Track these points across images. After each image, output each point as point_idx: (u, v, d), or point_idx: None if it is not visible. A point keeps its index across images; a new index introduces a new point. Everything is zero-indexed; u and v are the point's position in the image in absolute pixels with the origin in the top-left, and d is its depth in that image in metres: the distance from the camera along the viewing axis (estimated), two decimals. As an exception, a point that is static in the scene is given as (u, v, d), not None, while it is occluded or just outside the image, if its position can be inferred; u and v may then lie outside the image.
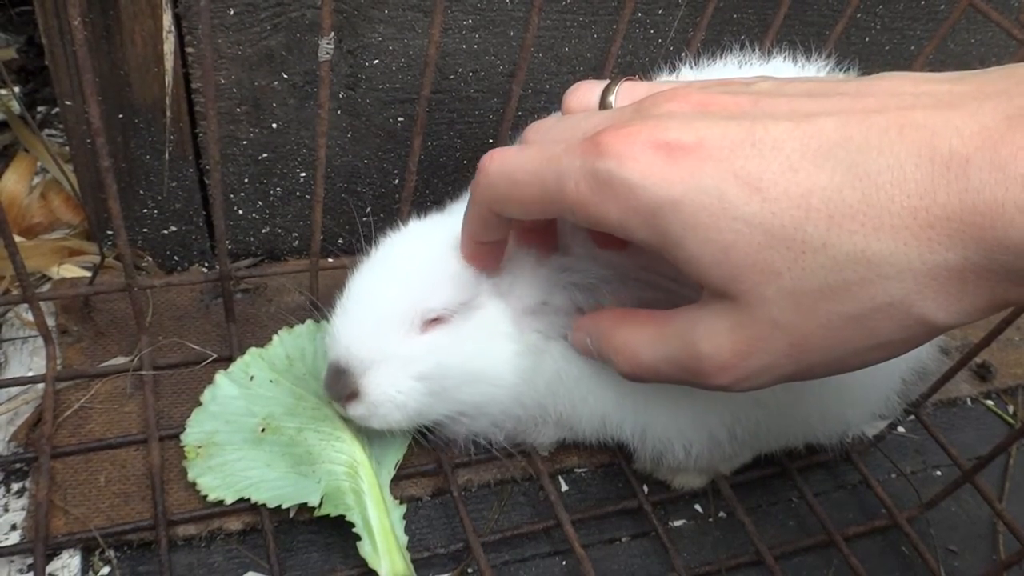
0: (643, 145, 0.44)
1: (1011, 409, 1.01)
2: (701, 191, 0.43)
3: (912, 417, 0.89)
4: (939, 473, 0.91)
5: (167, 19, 0.77)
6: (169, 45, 0.79)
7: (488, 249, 0.62)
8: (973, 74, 0.43)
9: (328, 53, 0.68)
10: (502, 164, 0.52)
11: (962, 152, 0.38)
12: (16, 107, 1.07)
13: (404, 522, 0.71)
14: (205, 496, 0.71)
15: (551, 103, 0.95)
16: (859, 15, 1.03)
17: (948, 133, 0.39)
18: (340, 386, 0.66)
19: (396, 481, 0.75)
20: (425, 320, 0.65)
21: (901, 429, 0.94)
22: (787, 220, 0.41)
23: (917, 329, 0.42)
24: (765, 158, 0.42)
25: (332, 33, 0.67)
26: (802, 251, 0.41)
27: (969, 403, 1.01)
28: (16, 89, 1.15)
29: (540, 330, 0.67)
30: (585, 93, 0.56)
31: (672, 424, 0.70)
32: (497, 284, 0.65)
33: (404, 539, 0.70)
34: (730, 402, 0.67)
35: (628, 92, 0.54)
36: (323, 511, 0.70)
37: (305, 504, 0.70)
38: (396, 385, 0.66)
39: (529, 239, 0.63)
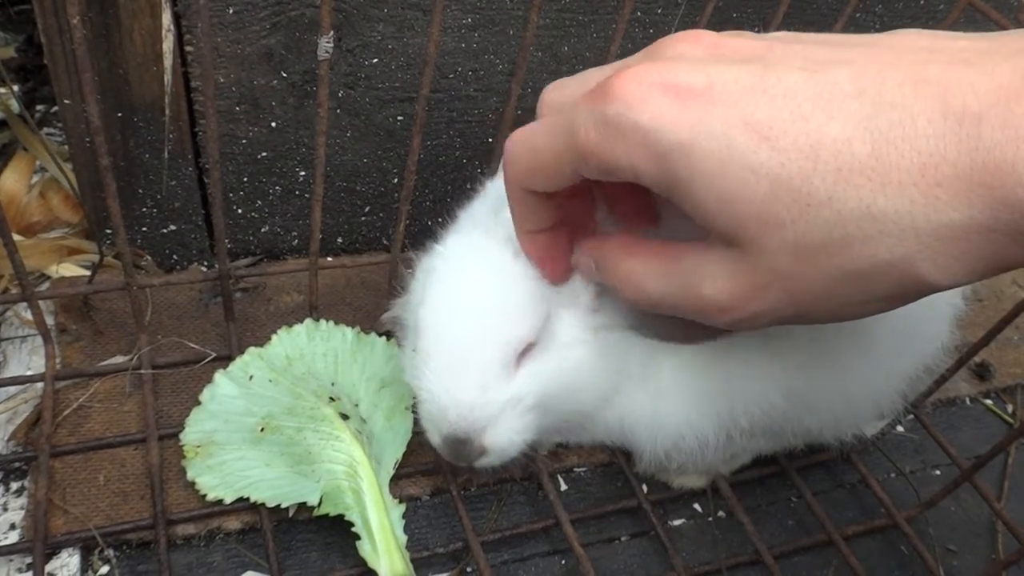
0: (652, 87, 0.43)
1: (1010, 408, 1.01)
2: (710, 136, 0.42)
3: (911, 416, 0.89)
4: (938, 472, 0.91)
5: (166, 18, 0.77)
6: (168, 44, 0.79)
7: (547, 242, 0.59)
8: (991, 35, 0.42)
9: (327, 52, 0.68)
10: (522, 137, 0.52)
11: (975, 109, 0.38)
12: (15, 106, 1.07)
13: (403, 521, 0.71)
14: (204, 495, 0.71)
15: (550, 102, 0.95)
16: (858, 15, 1.03)
17: (962, 90, 0.38)
18: (466, 455, 0.63)
19: (395, 480, 0.75)
20: (518, 352, 0.62)
21: (900, 428, 0.94)
22: (795, 171, 0.41)
23: (913, 288, 0.42)
24: (776, 106, 0.41)
25: (331, 32, 0.67)
26: (807, 204, 0.41)
27: (968, 402, 1.01)
28: (15, 88, 1.14)
29: (606, 325, 0.65)
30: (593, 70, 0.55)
31: (684, 418, 0.70)
32: (560, 291, 0.63)
33: (403, 538, 0.70)
34: (747, 396, 0.67)
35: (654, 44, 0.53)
36: (322, 510, 0.70)
37: (304, 503, 0.70)
38: (514, 428, 0.63)
39: (625, 215, 0.59)
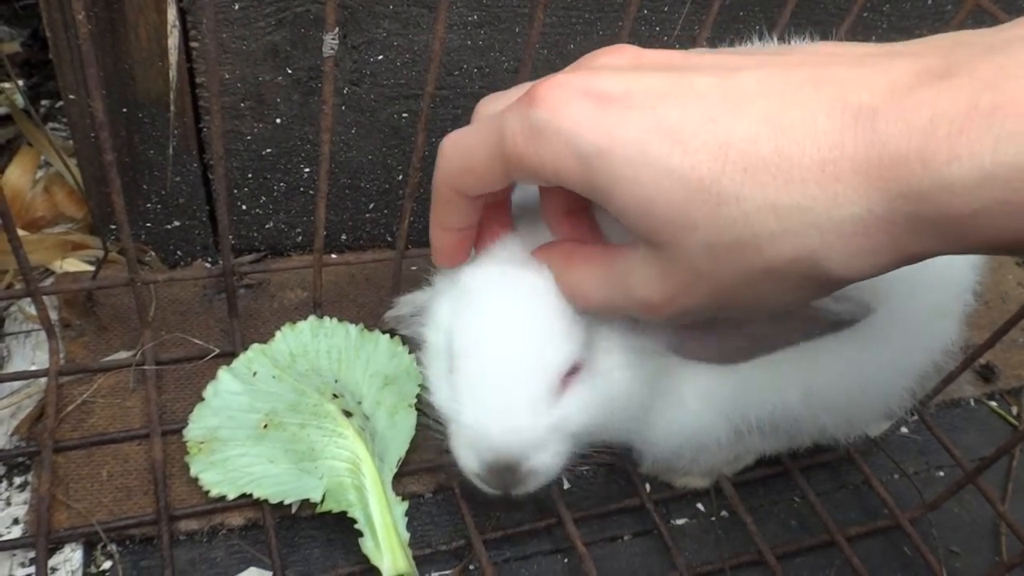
0: (574, 94, 0.45)
1: (1015, 410, 1.01)
2: (626, 142, 0.44)
3: (915, 417, 0.89)
4: (942, 474, 0.91)
5: (172, 13, 0.77)
6: (173, 40, 0.78)
7: (457, 239, 0.60)
8: (897, 43, 0.44)
9: (333, 49, 0.68)
10: (455, 139, 0.54)
11: (871, 104, 0.39)
12: (20, 101, 1.07)
13: (406, 519, 0.71)
14: (207, 491, 0.71)
15: (556, 100, 0.94)
16: (865, 14, 1.02)
17: (858, 87, 0.40)
18: (507, 482, 0.62)
19: (398, 478, 0.75)
20: (563, 376, 0.60)
21: (904, 430, 0.93)
22: (704, 172, 0.42)
23: (822, 282, 0.43)
24: (687, 109, 0.43)
25: (337, 28, 0.67)
26: (717, 204, 0.42)
27: (972, 404, 1.00)
28: (20, 83, 1.15)
29: (645, 348, 0.64)
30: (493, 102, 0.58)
31: (702, 420, 0.70)
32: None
33: (406, 536, 0.70)
34: (763, 395, 0.68)
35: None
36: (325, 507, 0.70)
37: (307, 500, 0.71)
38: (557, 454, 0.62)
39: (566, 228, 0.60)
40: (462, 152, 0.53)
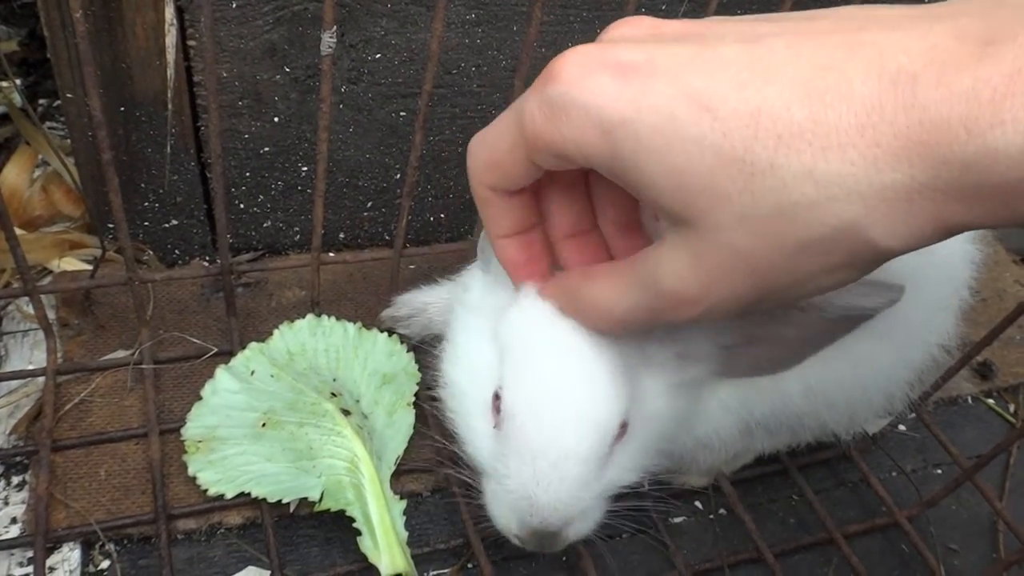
0: (594, 66, 0.44)
1: (1012, 408, 1.01)
2: (652, 110, 0.42)
3: (913, 415, 0.89)
4: (939, 471, 0.91)
5: (169, 12, 0.77)
6: (171, 38, 0.78)
7: (520, 247, 0.56)
8: (932, 4, 0.42)
9: (330, 47, 0.68)
10: (479, 135, 0.53)
11: (910, 69, 0.38)
12: (18, 100, 1.07)
13: (404, 517, 0.71)
14: (205, 490, 0.71)
15: (554, 98, 0.94)
16: (863, 12, 1.03)
17: (897, 51, 0.39)
18: (550, 545, 0.61)
19: (396, 476, 0.75)
20: (615, 438, 0.59)
21: (902, 427, 0.93)
22: (736, 140, 0.40)
23: (868, 254, 0.42)
24: (715, 75, 0.41)
25: (335, 27, 0.67)
26: (751, 173, 0.40)
27: (970, 401, 1.01)
28: (18, 81, 1.14)
29: (690, 378, 0.63)
30: None
31: (712, 422, 0.70)
32: (642, 349, 0.59)
33: (404, 534, 0.70)
34: (766, 392, 0.67)
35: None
36: (323, 506, 0.70)
37: (305, 499, 0.70)
38: (596, 519, 0.62)
39: (571, 251, 0.57)
40: (487, 147, 0.52)
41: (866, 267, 0.43)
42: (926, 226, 0.39)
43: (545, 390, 0.57)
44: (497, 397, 0.60)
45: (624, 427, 0.59)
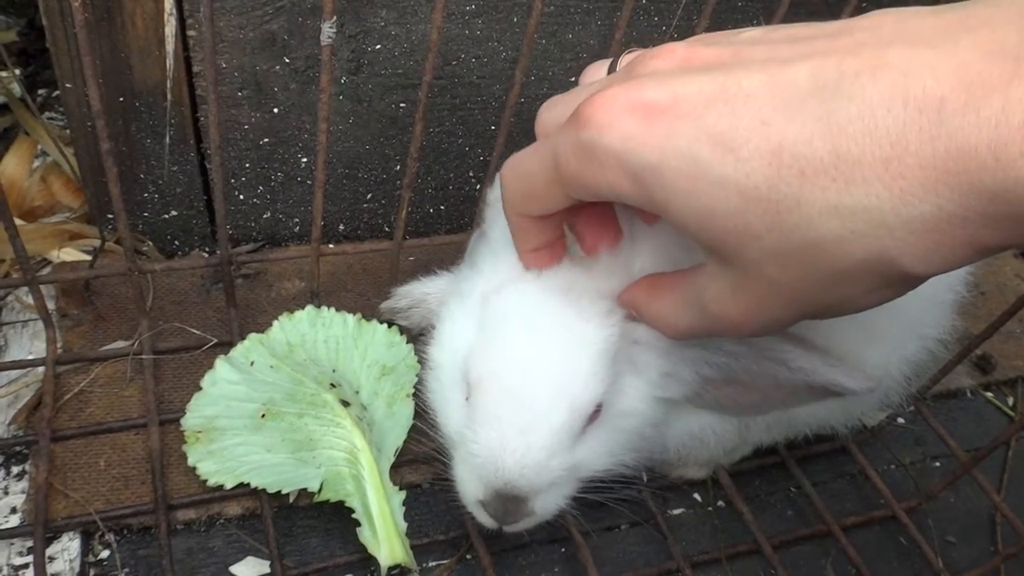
0: (621, 109, 0.44)
1: (1011, 401, 1.01)
2: (677, 155, 0.43)
3: (912, 408, 0.89)
4: (938, 464, 0.91)
5: (168, 2, 0.77)
6: (170, 28, 0.78)
7: (550, 252, 0.60)
8: (960, 5, 0.40)
9: (330, 37, 0.68)
10: (514, 164, 0.54)
11: (936, 94, 0.37)
12: (17, 90, 1.07)
13: (403, 508, 0.71)
14: (205, 481, 0.71)
15: (554, 89, 0.94)
16: (864, 3, 1.02)
17: (923, 73, 0.37)
18: (512, 514, 0.61)
19: (396, 467, 0.75)
20: (587, 418, 0.60)
21: (901, 420, 0.94)
22: (760, 180, 0.40)
23: (901, 280, 0.41)
24: (737, 113, 0.41)
25: (335, 17, 0.67)
26: (777, 211, 0.41)
27: (969, 395, 1.01)
28: (17, 72, 1.14)
29: (667, 398, 0.64)
30: (595, 71, 0.57)
31: (708, 419, 0.71)
32: (633, 356, 0.61)
33: (403, 525, 0.70)
34: None
35: (630, 59, 0.53)
36: (323, 496, 0.70)
37: (305, 489, 0.71)
38: (564, 495, 0.63)
39: (588, 233, 0.60)
40: (522, 179, 0.53)
41: (905, 288, 0.43)
42: (959, 251, 0.39)
43: (518, 358, 0.58)
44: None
45: (598, 410, 0.60)
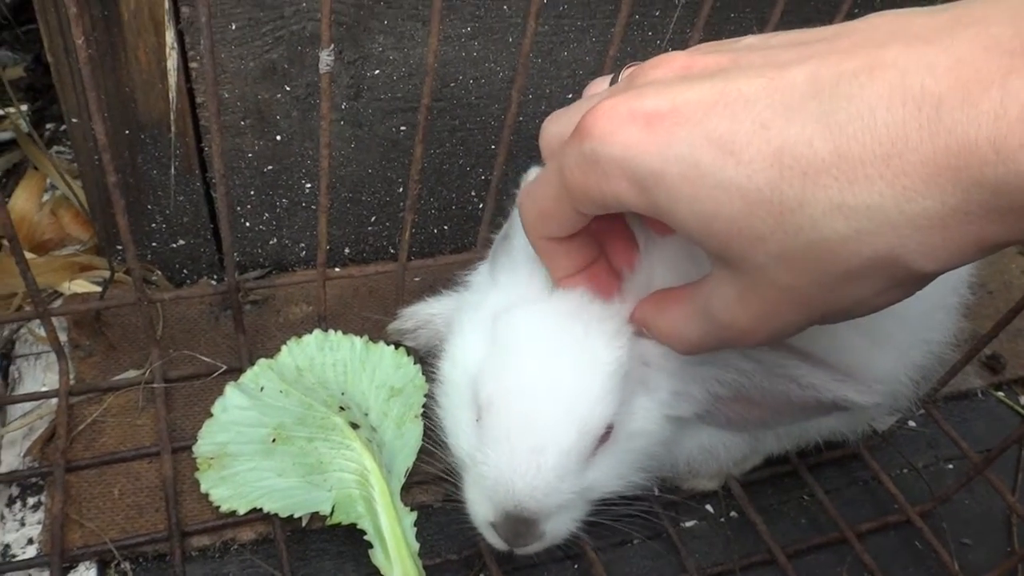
0: (622, 118, 0.45)
1: (1022, 399, 1.00)
2: (678, 160, 0.43)
3: (923, 411, 0.89)
4: (951, 466, 0.91)
5: (170, 36, 0.78)
6: (172, 62, 0.80)
7: (589, 275, 0.59)
8: (955, 4, 0.41)
9: (329, 65, 0.69)
10: (528, 193, 0.55)
11: (934, 91, 0.37)
12: (24, 125, 1.09)
13: (415, 529, 0.71)
14: (218, 507, 0.72)
15: (552, 106, 0.95)
16: (856, 10, 1.03)
17: (920, 71, 0.37)
18: (523, 536, 0.61)
19: (407, 488, 0.75)
20: (598, 440, 0.60)
21: (912, 424, 0.93)
22: (762, 182, 0.41)
23: (910, 278, 0.41)
24: (737, 117, 0.42)
25: (332, 45, 0.68)
26: (780, 212, 0.41)
27: (980, 395, 1.00)
28: (24, 107, 1.16)
29: (677, 417, 0.64)
30: (597, 86, 0.58)
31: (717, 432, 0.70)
32: (643, 376, 0.62)
33: (416, 546, 0.70)
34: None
35: (631, 72, 0.54)
36: (335, 519, 0.70)
37: (317, 513, 0.71)
38: (576, 519, 0.63)
39: (615, 252, 0.61)
40: (535, 200, 0.54)
41: (914, 287, 0.43)
42: (965, 247, 0.39)
43: (529, 379, 0.59)
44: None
45: (610, 430, 0.60)
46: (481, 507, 0.62)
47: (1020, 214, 0.36)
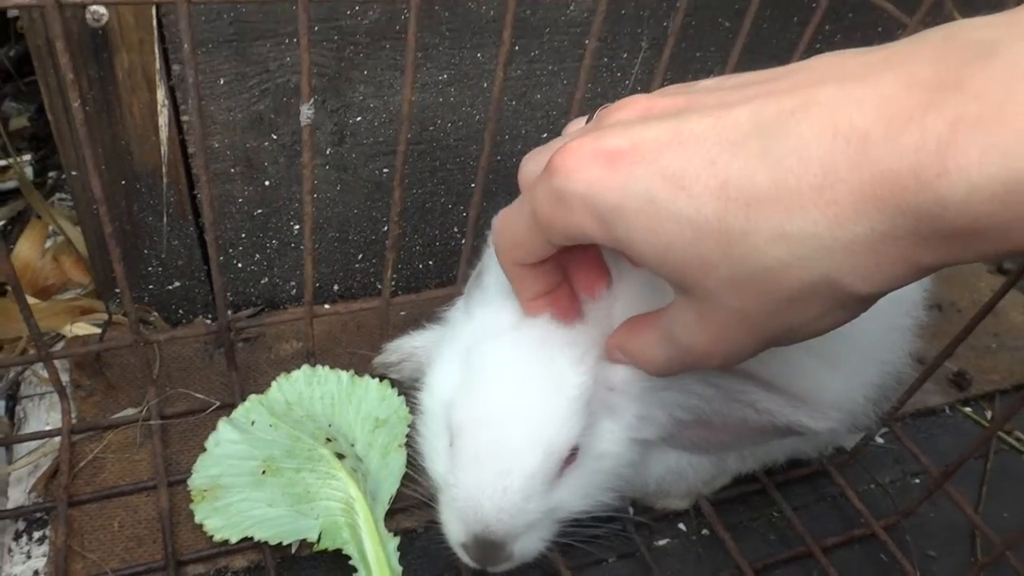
0: (586, 157, 0.49)
1: (989, 414, 1.04)
2: (635, 195, 0.46)
3: (887, 429, 0.92)
4: (917, 481, 0.94)
5: (161, 93, 0.84)
6: (164, 117, 0.85)
7: (551, 301, 0.63)
8: (888, 45, 0.44)
9: (309, 118, 0.74)
10: (502, 221, 0.59)
11: (861, 126, 0.40)
12: (28, 174, 1.14)
13: (398, 553, 0.74)
14: (212, 536, 0.75)
15: (527, 146, 1.00)
16: (818, 44, 1.08)
17: (849, 107, 0.41)
18: (492, 558, 0.64)
19: (391, 514, 0.79)
20: (563, 461, 0.63)
21: (880, 440, 0.97)
22: (710, 213, 0.44)
23: (850, 301, 0.45)
24: (688, 155, 0.45)
25: (312, 99, 0.73)
26: (728, 242, 0.44)
27: (948, 411, 1.04)
28: (27, 156, 1.21)
29: (642, 440, 0.67)
30: (574, 125, 0.62)
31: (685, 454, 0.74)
32: (608, 401, 0.65)
33: (399, 569, 0.73)
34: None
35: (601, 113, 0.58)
36: (322, 546, 0.74)
37: (305, 540, 0.75)
38: (543, 538, 0.66)
39: (581, 278, 0.64)
40: (509, 228, 0.58)
41: (858, 308, 0.46)
42: (898, 270, 0.42)
43: (496, 405, 0.62)
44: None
45: (575, 452, 0.63)
46: (454, 527, 0.66)
47: (943, 238, 0.39)
